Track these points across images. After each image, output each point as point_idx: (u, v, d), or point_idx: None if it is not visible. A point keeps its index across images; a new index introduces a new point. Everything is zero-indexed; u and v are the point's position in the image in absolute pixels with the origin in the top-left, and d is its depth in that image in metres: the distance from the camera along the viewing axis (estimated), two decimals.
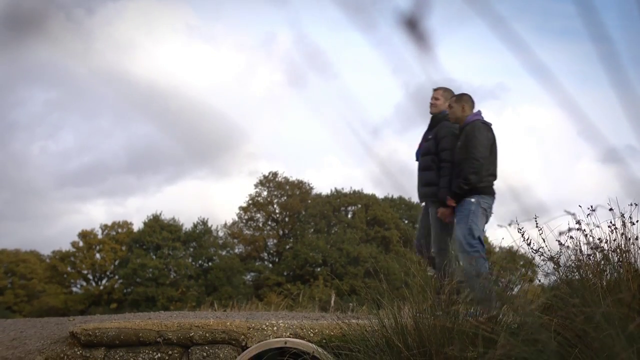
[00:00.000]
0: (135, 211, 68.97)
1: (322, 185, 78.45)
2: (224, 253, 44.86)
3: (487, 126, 5.88)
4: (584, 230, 3.52)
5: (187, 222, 46.18)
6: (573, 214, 3.47)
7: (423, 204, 6.42)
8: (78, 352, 4.94)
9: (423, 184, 6.15)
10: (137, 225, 45.70)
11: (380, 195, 47.60)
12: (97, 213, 66.01)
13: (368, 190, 47.22)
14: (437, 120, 6.24)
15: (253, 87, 65.30)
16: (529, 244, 3.76)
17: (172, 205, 63.37)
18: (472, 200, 5.70)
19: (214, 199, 64.81)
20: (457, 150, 5.86)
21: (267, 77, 64.99)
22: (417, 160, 6.40)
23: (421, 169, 6.20)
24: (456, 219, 5.80)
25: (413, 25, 1.13)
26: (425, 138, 6.30)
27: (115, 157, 65.52)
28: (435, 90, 6.31)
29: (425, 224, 6.27)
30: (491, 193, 5.83)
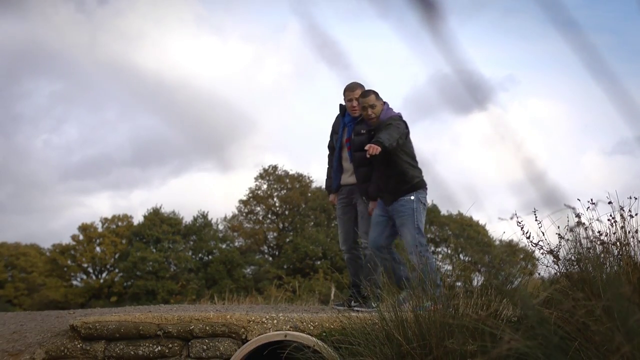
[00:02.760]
0: (139, 204, 68.92)
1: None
2: (224, 246, 44.85)
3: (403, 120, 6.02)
4: (584, 223, 3.52)
5: (192, 215, 46.22)
6: (573, 208, 3.46)
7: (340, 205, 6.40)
8: (78, 345, 4.95)
9: (362, 180, 6.08)
10: (139, 218, 45.74)
11: None
12: (101, 206, 66.06)
13: None
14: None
15: (261, 78, 65.21)
16: (528, 237, 3.76)
17: (177, 198, 63.44)
18: (412, 197, 5.72)
19: (219, 192, 64.80)
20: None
21: (276, 69, 64.92)
22: (344, 156, 6.30)
23: (357, 165, 6.08)
24: (399, 220, 5.76)
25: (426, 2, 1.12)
26: (357, 132, 6.11)
27: (120, 149, 65.46)
28: (353, 90, 6.10)
29: (350, 227, 6.30)
30: (425, 186, 5.88)
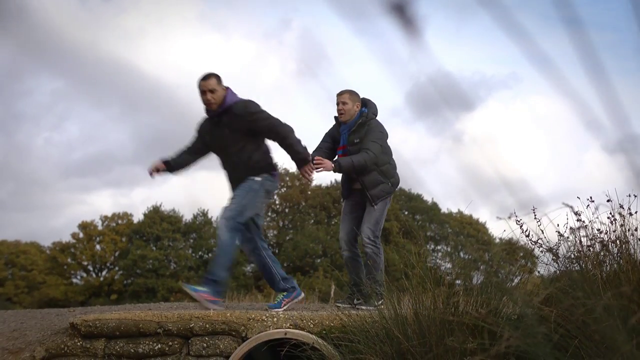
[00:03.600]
0: (140, 202, 68.98)
1: (328, 176, 78.35)
2: None
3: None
4: (584, 221, 3.52)
5: (195, 212, 46.23)
6: (570, 207, 3.47)
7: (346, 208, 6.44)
8: (78, 343, 4.95)
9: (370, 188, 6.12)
10: (140, 216, 45.76)
11: None
12: (102, 204, 66.04)
13: None
14: (360, 124, 6.11)
15: (263, 76, 65.23)
16: (527, 236, 3.76)
17: (178, 196, 63.38)
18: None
19: (221, 190, 64.80)
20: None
21: (277, 67, 64.92)
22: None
23: (359, 174, 6.07)
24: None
25: (401, 10, 1.13)
26: (351, 142, 6.11)
27: (121, 147, 65.51)
28: (341, 94, 6.18)
29: (353, 225, 6.29)
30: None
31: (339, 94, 6.19)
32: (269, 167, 5.92)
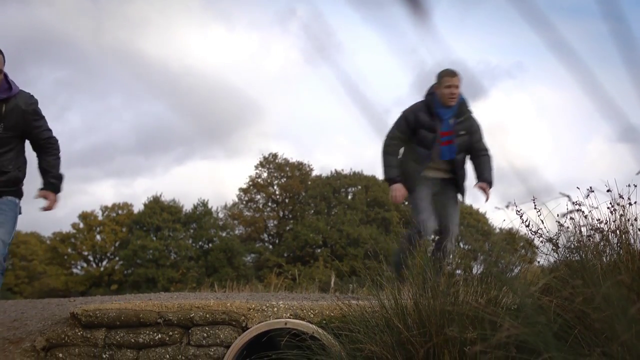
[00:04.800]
0: (143, 192, 69.01)
1: (331, 165, 78.12)
2: (224, 234, 44.94)
3: None
4: (583, 211, 3.52)
5: (195, 203, 46.25)
6: (568, 196, 3.47)
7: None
8: (79, 333, 4.96)
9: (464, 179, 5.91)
10: (141, 207, 45.75)
11: (381, 176, 47.63)
12: (104, 194, 66.06)
13: (370, 171, 47.28)
14: (462, 110, 5.79)
15: (267, 65, 65.15)
16: (527, 226, 3.76)
17: (181, 186, 63.45)
18: None
19: (224, 180, 64.81)
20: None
21: (282, 55, 64.83)
22: (445, 157, 5.84)
23: (458, 167, 5.85)
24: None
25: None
26: (457, 132, 5.73)
27: (124, 137, 65.54)
28: (454, 76, 5.62)
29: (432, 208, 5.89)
30: None
31: (452, 75, 5.65)
32: None
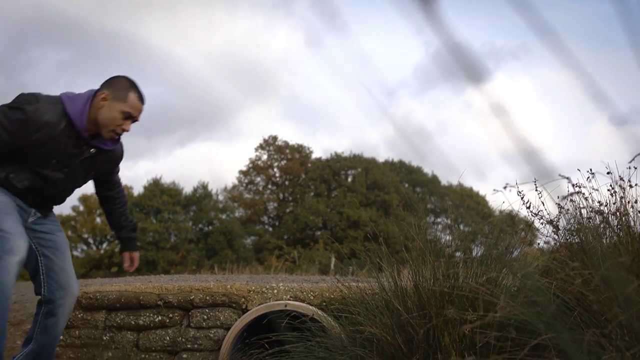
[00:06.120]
0: (144, 174, 68.92)
1: (334, 147, 77.84)
2: (224, 217, 44.97)
3: None
4: (584, 193, 3.52)
5: (195, 185, 46.26)
6: (568, 178, 3.46)
7: None
8: (79, 315, 4.97)
9: None
10: (139, 189, 45.78)
11: (381, 159, 47.64)
12: None
13: (381, 154, 47.26)
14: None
15: (271, 47, 64.93)
16: (528, 207, 3.76)
17: (183, 168, 63.39)
18: None
19: (226, 162, 64.82)
20: None
21: (286, 37, 64.60)
22: None
23: None
24: None
25: None
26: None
27: None
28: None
29: None
30: None
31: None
32: None
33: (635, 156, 2.79)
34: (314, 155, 48.09)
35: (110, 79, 3.96)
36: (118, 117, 3.84)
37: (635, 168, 3.40)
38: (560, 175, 3.21)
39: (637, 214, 3.43)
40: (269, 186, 47.39)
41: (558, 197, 3.51)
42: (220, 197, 46.94)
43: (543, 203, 3.68)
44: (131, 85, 3.93)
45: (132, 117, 3.91)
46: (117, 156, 4.24)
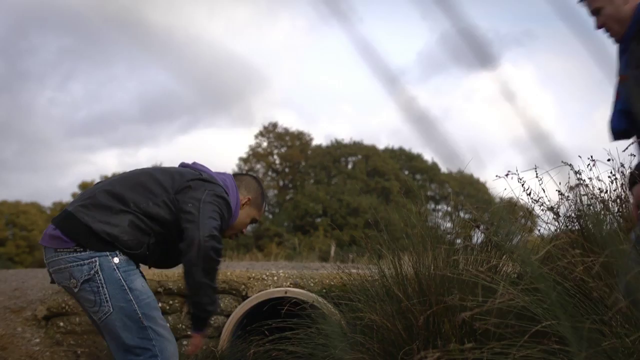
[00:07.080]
0: (146, 161, 68.86)
1: (336, 133, 77.66)
2: None
3: None
4: (584, 180, 3.51)
5: None
6: (570, 165, 3.46)
7: None
8: None
9: None
10: None
11: (381, 146, 47.60)
12: (107, 164, 65.96)
13: (371, 141, 47.19)
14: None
15: (274, 33, 64.71)
16: (528, 194, 3.75)
17: (185, 155, 63.33)
18: None
19: (227, 148, 64.70)
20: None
21: (288, 23, 64.36)
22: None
23: None
24: None
25: None
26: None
27: (127, 106, 65.37)
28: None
29: None
30: None
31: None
32: None
33: (632, 142, 2.77)
34: (318, 141, 48.11)
35: (246, 180, 3.65)
36: (247, 222, 3.60)
37: (635, 155, 3.39)
38: (562, 162, 3.20)
39: None
40: (269, 173, 47.36)
41: (560, 184, 3.50)
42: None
43: (544, 190, 3.67)
44: (263, 192, 3.66)
45: (255, 222, 3.70)
46: None
